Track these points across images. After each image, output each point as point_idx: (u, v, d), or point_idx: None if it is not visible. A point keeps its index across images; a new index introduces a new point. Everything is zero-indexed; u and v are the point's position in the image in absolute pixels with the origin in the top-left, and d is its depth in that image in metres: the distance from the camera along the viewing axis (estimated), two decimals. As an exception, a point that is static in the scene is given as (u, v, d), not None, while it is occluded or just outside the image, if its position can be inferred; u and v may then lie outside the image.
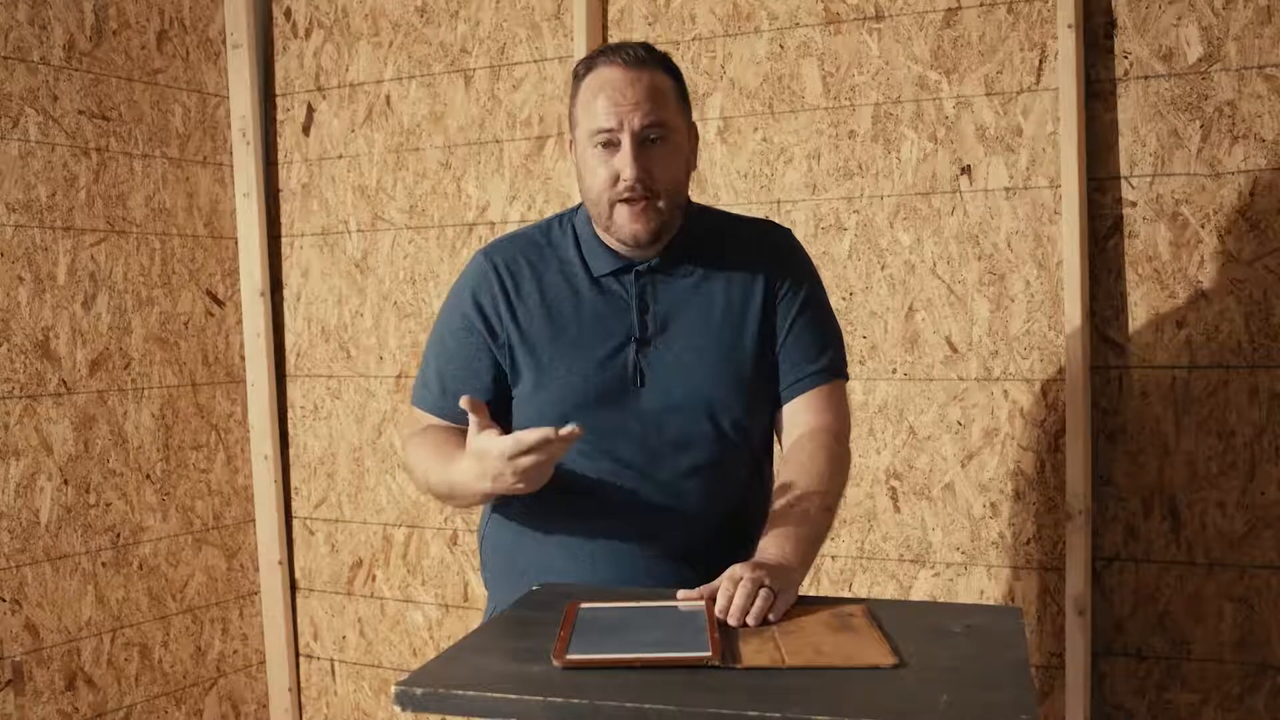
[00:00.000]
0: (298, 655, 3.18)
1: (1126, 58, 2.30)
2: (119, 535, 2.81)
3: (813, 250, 2.28)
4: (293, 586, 3.18)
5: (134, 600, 2.84)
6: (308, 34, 3.10)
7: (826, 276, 2.03)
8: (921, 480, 2.48)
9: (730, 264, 1.75)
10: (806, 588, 1.60)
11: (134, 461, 2.85)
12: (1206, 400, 2.27)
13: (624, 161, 1.64)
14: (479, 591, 2.92)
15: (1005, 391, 2.42)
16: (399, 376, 3.02)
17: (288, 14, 3.12)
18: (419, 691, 1.21)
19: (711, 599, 1.44)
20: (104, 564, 2.77)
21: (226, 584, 3.08)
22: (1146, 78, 2.29)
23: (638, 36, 2.67)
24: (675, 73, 1.73)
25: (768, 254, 1.77)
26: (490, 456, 1.50)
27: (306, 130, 3.12)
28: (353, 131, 3.05)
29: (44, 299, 2.66)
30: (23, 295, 2.61)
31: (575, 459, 1.67)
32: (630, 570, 1.67)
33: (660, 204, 1.67)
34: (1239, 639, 2.25)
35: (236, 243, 3.12)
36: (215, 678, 3.05)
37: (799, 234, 1.92)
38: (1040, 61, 2.36)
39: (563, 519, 1.71)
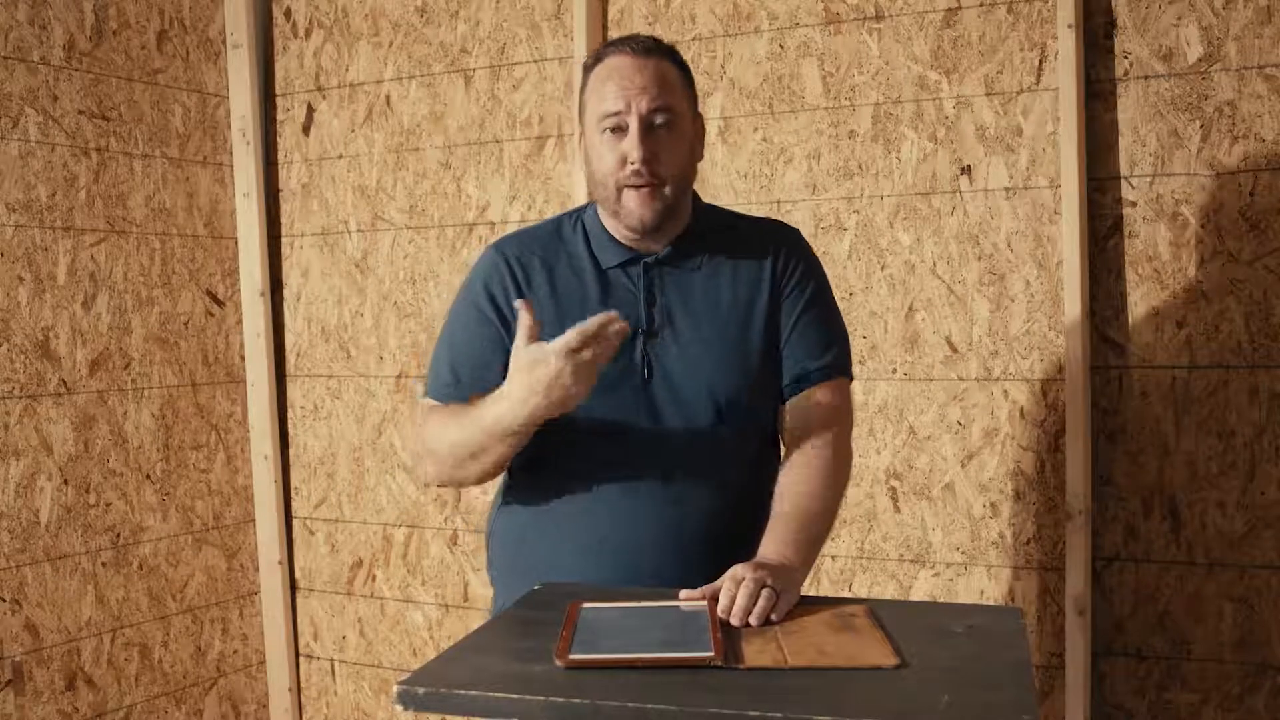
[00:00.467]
0: (298, 655, 3.18)
1: (1126, 58, 2.31)
2: (119, 535, 2.81)
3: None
4: (293, 586, 3.18)
5: (134, 600, 2.84)
6: (308, 34, 3.10)
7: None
8: (921, 480, 2.48)
9: (738, 258, 1.76)
10: (806, 588, 1.59)
11: (134, 461, 2.85)
12: (1206, 400, 2.27)
13: (631, 144, 1.65)
14: (479, 591, 2.92)
15: (1005, 391, 2.42)
16: (399, 376, 3.02)
17: (288, 14, 3.12)
18: (421, 691, 1.21)
19: (714, 599, 1.44)
20: (104, 564, 2.77)
21: (226, 584, 3.08)
22: (1146, 78, 2.29)
23: (638, 36, 2.67)
24: (682, 65, 1.75)
25: (775, 250, 1.77)
26: (549, 356, 1.48)
27: (306, 130, 3.12)
28: (353, 131, 3.05)
29: (44, 299, 2.66)
30: (23, 295, 2.61)
31: (583, 449, 1.67)
32: (636, 567, 1.67)
33: (666, 190, 1.68)
34: (1239, 639, 2.25)
35: (236, 243, 3.12)
36: (215, 678, 3.05)
37: (799, 234, 1.93)
38: (1040, 61, 2.36)
39: (569, 511, 1.71)
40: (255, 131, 3.08)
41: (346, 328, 3.09)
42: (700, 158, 1.78)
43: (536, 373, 1.50)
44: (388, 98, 3.01)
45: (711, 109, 2.63)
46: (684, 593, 1.48)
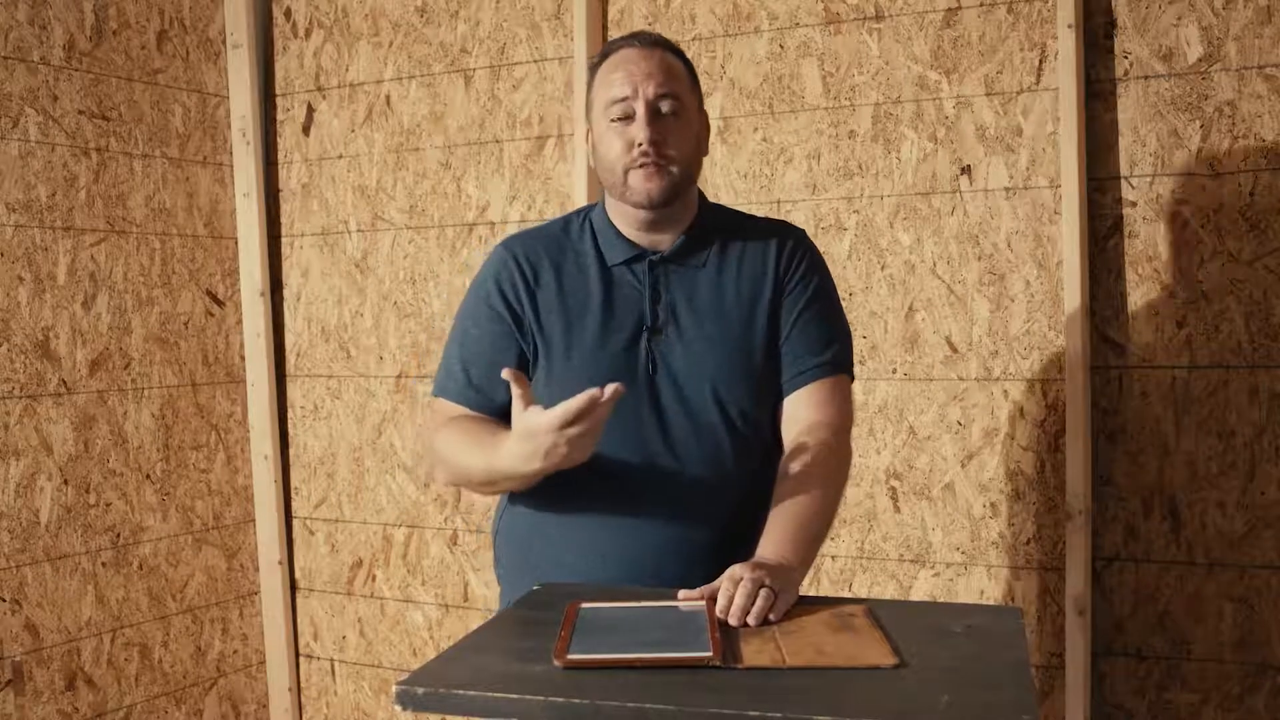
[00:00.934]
0: (298, 655, 3.18)
1: (1126, 58, 2.30)
2: (119, 535, 2.81)
3: (813, 250, 2.28)
4: (293, 586, 3.18)
5: (134, 600, 2.84)
6: (308, 34, 3.10)
7: (827, 276, 2.03)
8: (921, 480, 2.48)
9: (742, 256, 1.76)
10: (806, 588, 1.59)
11: (134, 461, 2.85)
12: (1206, 400, 2.27)
13: (639, 127, 1.67)
14: (479, 591, 2.92)
15: (1005, 391, 2.42)
16: (399, 376, 3.02)
17: (288, 14, 3.12)
18: (420, 691, 1.21)
19: (712, 599, 1.44)
20: (104, 564, 2.77)
21: (226, 584, 3.08)
22: (1146, 78, 2.29)
23: (638, 36, 2.67)
24: (687, 61, 1.77)
25: (780, 248, 1.78)
26: (540, 432, 1.49)
27: (306, 130, 3.12)
28: (353, 131, 3.06)
29: (44, 299, 2.66)
30: (23, 295, 2.61)
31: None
32: (638, 564, 1.68)
33: (674, 169, 1.69)
34: (1239, 639, 2.25)
35: (236, 243, 3.12)
36: (215, 678, 3.05)
37: (799, 234, 1.93)
38: (1040, 61, 2.36)
39: (574, 509, 1.71)
40: (255, 131, 3.08)
41: (346, 328, 3.09)
42: (706, 152, 1.79)
43: (534, 442, 1.50)
44: (388, 98, 3.01)
45: (711, 109, 2.63)
46: (682, 593, 1.48)
